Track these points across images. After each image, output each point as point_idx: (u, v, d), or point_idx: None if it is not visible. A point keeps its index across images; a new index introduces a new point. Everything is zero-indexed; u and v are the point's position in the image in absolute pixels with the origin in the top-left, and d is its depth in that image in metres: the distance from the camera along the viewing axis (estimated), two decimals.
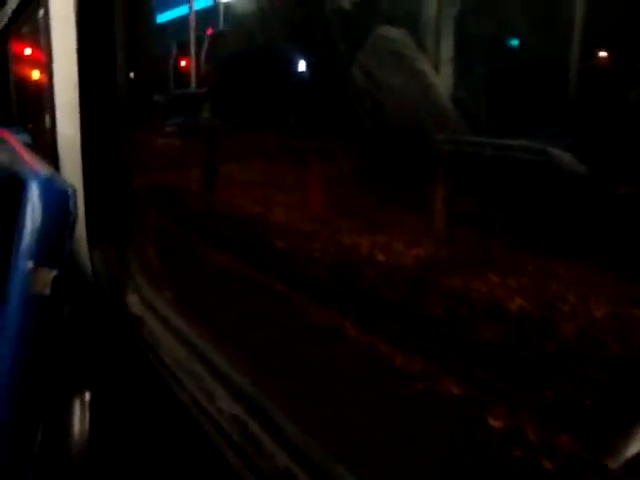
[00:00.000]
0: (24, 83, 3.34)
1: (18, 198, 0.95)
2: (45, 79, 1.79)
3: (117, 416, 1.10)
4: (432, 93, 1.71)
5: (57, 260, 0.94)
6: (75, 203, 0.94)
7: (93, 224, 1.29)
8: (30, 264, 0.92)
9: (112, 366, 1.18)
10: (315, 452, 0.83)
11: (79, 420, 1.06)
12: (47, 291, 0.92)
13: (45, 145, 1.84)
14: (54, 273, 0.93)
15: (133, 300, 1.26)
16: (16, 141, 1.60)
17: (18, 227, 0.93)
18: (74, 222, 0.95)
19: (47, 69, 1.63)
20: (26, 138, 2.42)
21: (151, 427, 1.03)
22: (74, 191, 0.95)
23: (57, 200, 0.94)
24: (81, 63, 1.33)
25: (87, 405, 1.06)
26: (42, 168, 1.04)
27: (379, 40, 1.70)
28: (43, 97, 2.10)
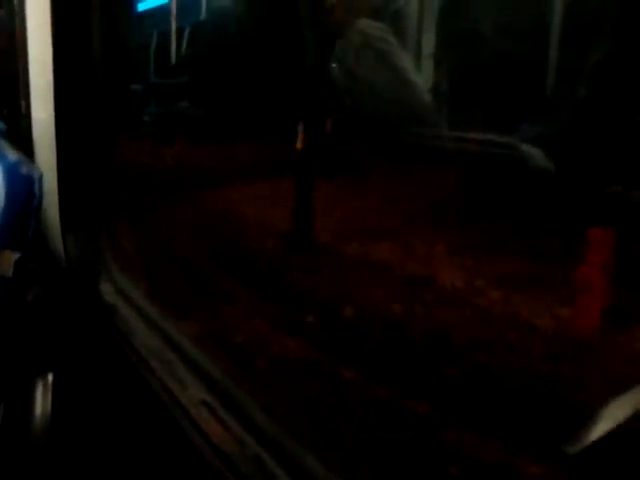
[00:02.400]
0: None
1: None
2: (20, 65, 1.76)
3: (83, 400, 1.10)
4: (413, 90, 1.71)
5: (21, 243, 0.96)
6: (41, 187, 0.96)
7: (66, 210, 1.27)
8: None
9: (82, 351, 1.17)
10: (285, 440, 0.84)
11: (41, 402, 1.07)
12: (9, 273, 0.93)
13: (20, 131, 1.82)
14: (17, 255, 0.94)
15: (106, 288, 1.26)
16: None
17: None
18: (39, 206, 0.96)
19: (22, 54, 1.61)
20: (0, 125, 2.38)
21: (121, 412, 1.03)
22: (40, 175, 0.96)
23: (22, 184, 0.96)
24: (56, 48, 1.31)
25: (49, 387, 1.06)
26: (10, 153, 1.04)
27: (358, 35, 1.69)
28: (18, 83, 2.07)
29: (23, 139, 1.71)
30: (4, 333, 0.95)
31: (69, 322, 1.20)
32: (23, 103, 1.77)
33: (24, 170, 0.98)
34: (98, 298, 1.23)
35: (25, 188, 0.96)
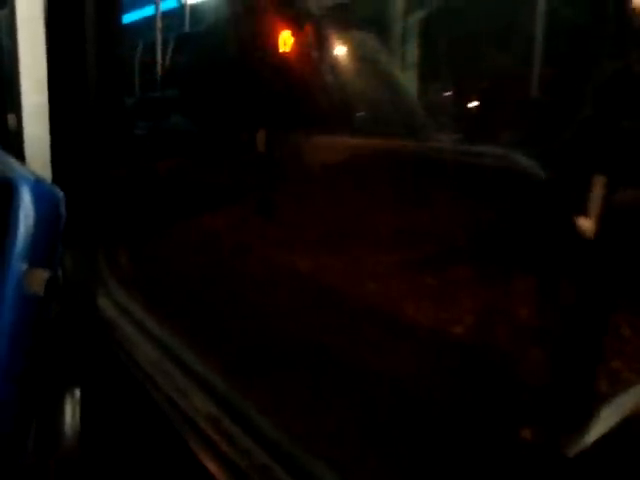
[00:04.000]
0: None
1: (8, 201, 0.97)
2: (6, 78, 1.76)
3: (101, 414, 1.11)
4: (403, 97, 1.74)
5: (50, 262, 0.99)
6: (64, 207, 0.98)
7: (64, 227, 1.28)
8: (24, 266, 0.96)
9: (85, 366, 1.18)
10: (291, 448, 0.85)
11: (70, 417, 1.08)
12: (41, 292, 0.95)
13: (10, 148, 1.82)
14: (47, 274, 0.96)
15: (105, 303, 1.26)
16: None
17: (11, 229, 0.97)
18: (64, 225, 0.99)
19: (13, 70, 1.61)
20: None
21: (130, 426, 1.04)
22: (63, 195, 0.99)
23: (49, 203, 0.99)
24: (51, 65, 1.32)
25: (77, 402, 1.08)
26: (28, 172, 1.07)
27: (350, 44, 1.73)
28: (6, 99, 2.06)
29: (14, 154, 1.72)
30: (36, 351, 0.97)
31: (70, 337, 1.21)
32: (14, 119, 1.77)
33: (49, 190, 1.00)
34: (97, 313, 1.23)
35: (52, 208, 0.99)
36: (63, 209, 0.99)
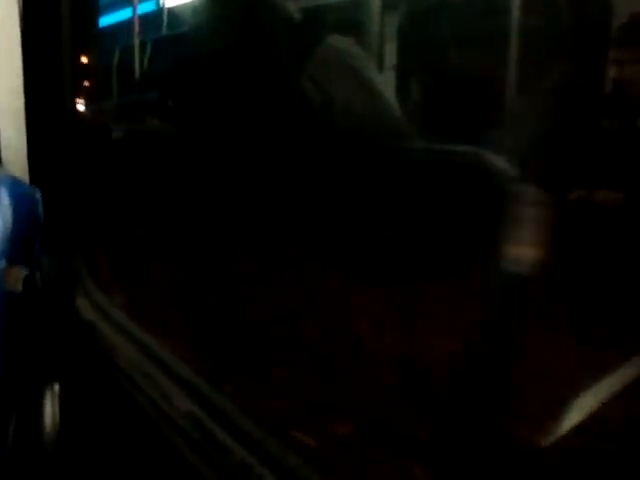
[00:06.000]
0: None
1: None
2: None
3: (81, 413, 1.11)
4: (380, 102, 1.75)
5: (28, 260, 1.00)
6: (42, 206, 1.00)
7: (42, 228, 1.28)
8: (2, 263, 0.96)
9: (70, 364, 1.19)
10: (270, 444, 0.86)
11: (50, 412, 1.09)
12: (19, 289, 0.97)
13: None
14: (25, 272, 0.98)
15: (83, 304, 1.26)
16: None
17: None
18: (42, 224, 1.01)
19: None
20: None
21: (111, 423, 1.04)
22: (41, 195, 1.00)
23: (26, 203, 1.01)
24: (26, 68, 1.32)
25: (57, 398, 1.09)
26: (7, 174, 1.08)
27: (328, 50, 1.73)
28: None
29: None
30: (15, 347, 0.98)
31: (49, 336, 1.21)
32: None
33: (26, 190, 1.02)
34: (75, 314, 1.23)
35: (30, 208, 1.01)
36: (40, 209, 1.01)
